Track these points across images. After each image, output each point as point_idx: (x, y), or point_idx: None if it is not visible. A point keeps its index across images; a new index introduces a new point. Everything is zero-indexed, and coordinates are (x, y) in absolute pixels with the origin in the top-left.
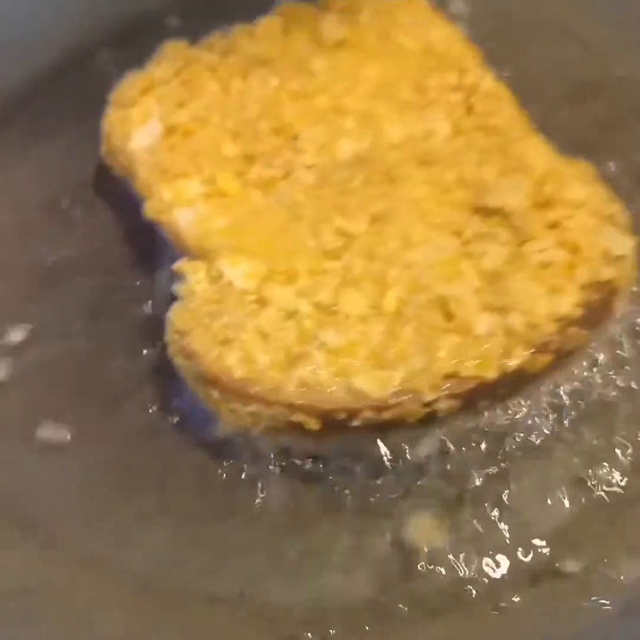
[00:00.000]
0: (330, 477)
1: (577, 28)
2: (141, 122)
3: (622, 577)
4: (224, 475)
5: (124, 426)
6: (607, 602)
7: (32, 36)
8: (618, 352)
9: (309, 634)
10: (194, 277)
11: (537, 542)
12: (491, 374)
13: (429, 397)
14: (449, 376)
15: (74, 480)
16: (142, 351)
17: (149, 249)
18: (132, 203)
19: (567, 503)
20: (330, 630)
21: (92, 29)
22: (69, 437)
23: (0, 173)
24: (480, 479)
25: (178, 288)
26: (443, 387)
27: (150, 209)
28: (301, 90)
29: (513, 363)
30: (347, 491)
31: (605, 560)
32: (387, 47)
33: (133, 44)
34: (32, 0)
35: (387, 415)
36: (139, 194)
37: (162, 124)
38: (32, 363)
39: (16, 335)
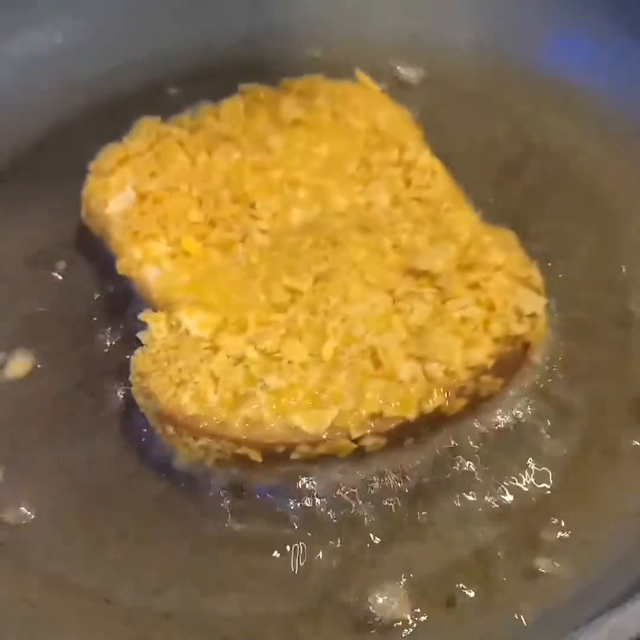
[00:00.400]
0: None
1: (506, 103)
2: (117, 190)
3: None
4: (181, 503)
5: (93, 455)
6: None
7: (21, 109)
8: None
9: None
10: (155, 325)
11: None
12: (411, 414)
13: (356, 434)
14: (375, 416)
15: (43, 505)
16: (114, 390)
17: (122, 301)
18: (108, 260)
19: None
20: None
21: (74, 104)
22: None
23: None
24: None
25: (141, 335)
26: (369, 426)
27: (122, 266)
28: (260, 164)
29: (431, 405)
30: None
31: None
32: (337, 127)
33: (110, 119)
34: (18, 79)
35: (320, 449)
36: (113, 252)
37: (135, 192)
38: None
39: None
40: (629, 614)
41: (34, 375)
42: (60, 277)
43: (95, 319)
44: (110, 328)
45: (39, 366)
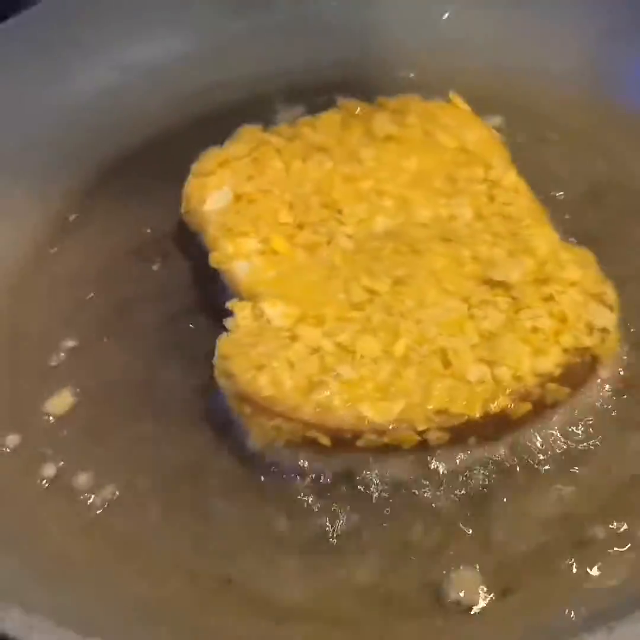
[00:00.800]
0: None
1: (595, 135)
2: (215, 189)
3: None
4: (251, 481)
5: (173, 431)
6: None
7: (133, 113)
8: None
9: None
10: (240, 313)
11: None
12: (476, 412)
13: (421, 427)
14: (440, 412)
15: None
16: (198, 372)
17: (213, 291)
18: (202, 255)
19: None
20: None
21: (182, 112)
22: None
23: (97, 224)
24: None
25: (227, 322)
26: (434, 420)
27: (215, 259)
28: (350, 174)
29: (496, 406)
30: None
31: None
32: (427, 144)
33: (214, 127)
34: (133, 85)
35: (386, 438)
36: (208, 246)
37: (232, 192)
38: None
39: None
40: None
41: (122, 355)
42: (158, 268)
43: (185, 304)
44: (201, 315)
45: (127, 348)
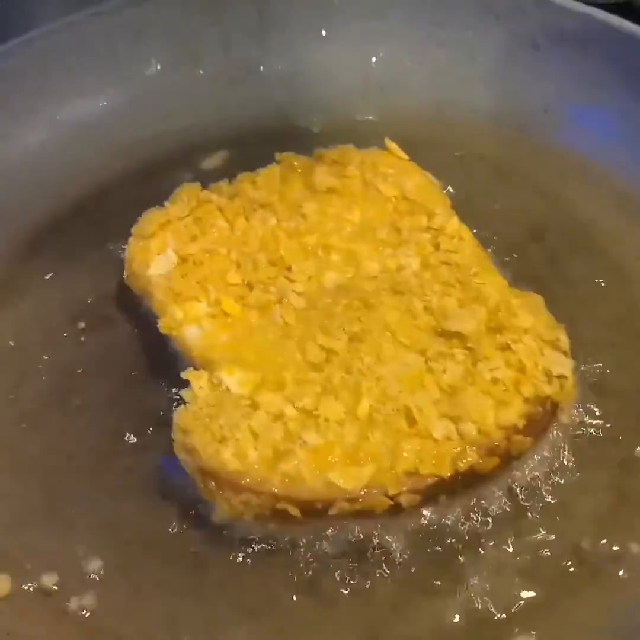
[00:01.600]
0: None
1: (527, 172)
2: (158, 252)
3: None
4: (216, 560)
5: (133, 509)
6: None
7: (64, 171)
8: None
9: None
10: (197, 383)
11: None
12: (446, 472)
13: (393, 491)
14: (411, 473)
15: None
16: (155, 445)
17: (164, 359)
18: (149, 319)
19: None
20: None
21: (114, 168)
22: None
23: (33, 291)
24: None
25: (183, 393)
26: (405, 483)
27: (164, 326)
28: (295, 230)
29: (465, 463)
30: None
31: None
32: (368, 194)
33: (148, 183)
34: (63, 142)
35: (358, 505)
36: (155, 311)
37: (176, 254)
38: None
39: None
40: None
41: (73, 424)
42: (102, 336)
43: (134, 373)
44: (153, 384)
45: (77, 424)
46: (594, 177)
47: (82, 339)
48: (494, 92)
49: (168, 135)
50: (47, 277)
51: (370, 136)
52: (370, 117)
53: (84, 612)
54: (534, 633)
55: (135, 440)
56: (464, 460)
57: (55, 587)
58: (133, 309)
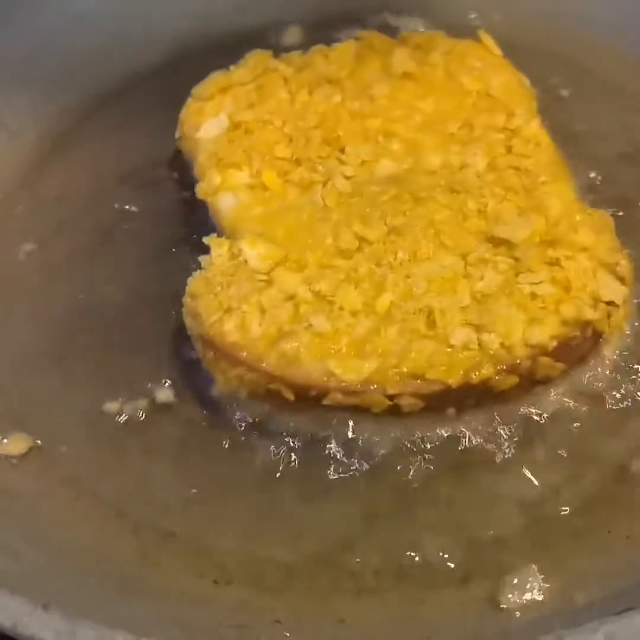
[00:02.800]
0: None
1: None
2: (212, 115)
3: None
4: (212, 430)
5: (138, 370)
6: None
7: (142, 35)
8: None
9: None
10: (217, 251)
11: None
12: (454, 380)
13: (392, 390)
14: (416, 376)
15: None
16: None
17: (200, 226)
18: (194, 186)
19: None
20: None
21: (193, 35)
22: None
23: (89, 146)
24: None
25: (202, 258)
26: (408, 385)
27: (201, 190)
28: (359, 111)
29: (478, 376)
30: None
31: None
32: (448, 85)
33: (227, 52)
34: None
35: (354, 399)
36: (197, 176)
37: (229, 120)
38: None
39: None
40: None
41: (97, 281)
42: (144, 198)
43: (169, 239)
44: (186, 251)
45: (101, 279)
46: None
47: (126, 199)
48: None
49: (253, 4)
50: (107, 134)
51: (468, 36)
52: (473, 16)
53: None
54: None
55: (157, 304)
56: (477, 372)
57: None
58: (182, 175)
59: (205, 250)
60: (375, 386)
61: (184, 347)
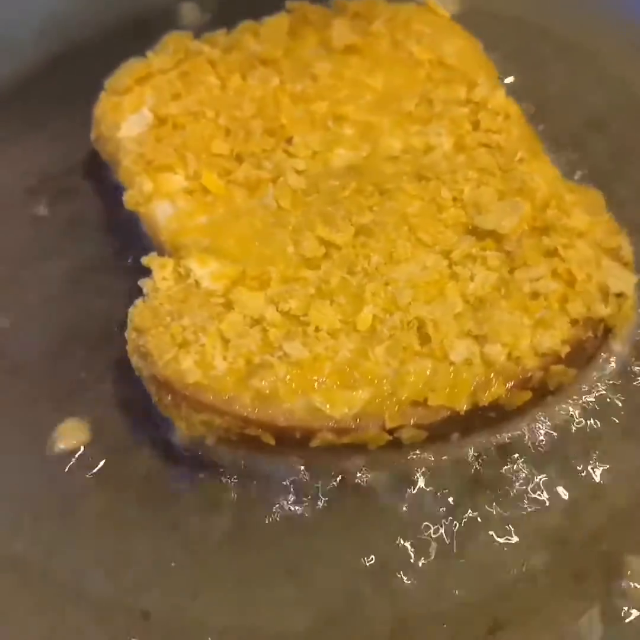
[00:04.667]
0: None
1: (596, 53)
2: (132, 111)
3: None
4: (173, 485)
5: (82, 418)
6: None
7: (36, 24)
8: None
9: None
10: (160, 273)
11: None
12: (461, 406)
13: (392, 424)
14: (416, 404)
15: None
16: (108, 344)
17: (131, 242)
18: (118, 193)
19: None
20: None
21: (96, 19)
22: None
23: None
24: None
25: (143, 283)
26: (409, 415)
27: (130, 199)
28: (302, 94)
29: (487, 397)
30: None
31: None
32: (397, 57)
33: (136, 36)
34: None
35: (346, 438)
36: (122, 183)
37: (153, 114)
38: None
39: None
40: None
41: (17, 321)
42: (61, 211)
43: (94, 263)
44: (115, 273)
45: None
46: None
47: (41, 215)
48: None
49: None
50: (5, 143)
51: None
52: None
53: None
54: None
55: (91, 340)
56: (487, 393)
57: None
58: (101, 180)
59: (144, 270)
60: (371, 421)
61: (131, 389)
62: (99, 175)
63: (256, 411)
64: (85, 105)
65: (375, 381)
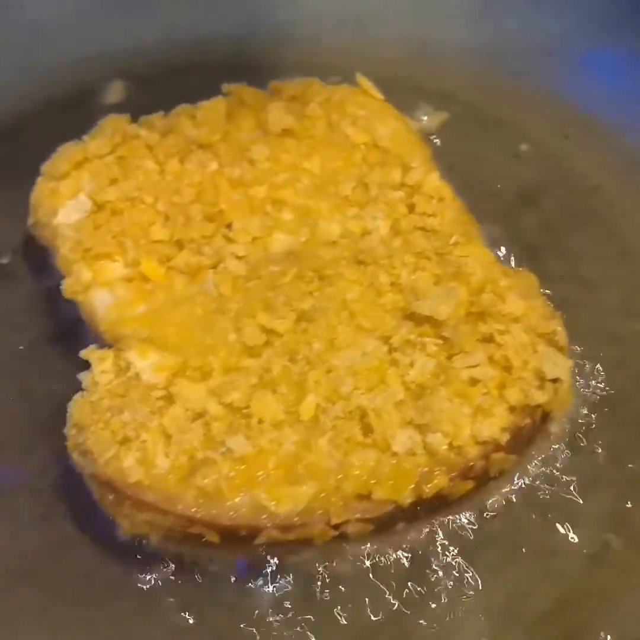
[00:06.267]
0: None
1: (525, 126)
2: (70, 196)
3: None
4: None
5: (19, 516)
6: None
7: None
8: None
9: None
10: (99, 366)
11: None
12: (406, 499)
13: (337, 520)
14: (361, 497)
15: None
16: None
17: (70, 331)
18: (56, 279)
19: None
20: None
21: (32, 97)
22: None
23: None
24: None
25: (82, 377)
26: (354, 509)
27: (68, 288)
28: (239, 178)
29: (431, 489)
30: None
31: None
32: (332, 140)
33: (71, 115)
34: None
35: (291, 535)
36: (60, 270)
37: (91, 200)
38: None
39: None
40: None
41: None
42: None
43: (32, 350)
44: (51, 364)
45: None
46: (600, 135)
47: None
48: (486, 29)
49: (99, 59)
50: None
51: (339, 72)
52: (341, 50)
53: None
54: None
55: (25, 437)
56: (431, 485)
57: None
58: (39, 266)
59: (81, 361)
60: (317, 516)
61: (71, 485)
62: (36, 259)
63: (200, 510)
64: (22, 185)
65: (320, 474)
